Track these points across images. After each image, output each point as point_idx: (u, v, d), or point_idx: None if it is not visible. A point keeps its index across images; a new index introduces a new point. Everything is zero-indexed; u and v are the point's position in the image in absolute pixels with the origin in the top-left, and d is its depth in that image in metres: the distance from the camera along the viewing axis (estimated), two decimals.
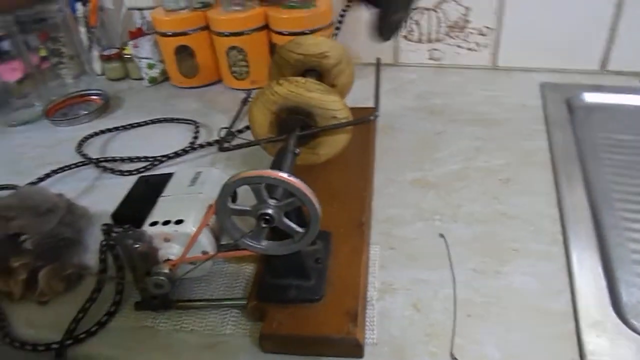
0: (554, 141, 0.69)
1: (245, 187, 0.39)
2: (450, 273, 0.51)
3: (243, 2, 0.88)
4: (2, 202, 0.56)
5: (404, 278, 0.52)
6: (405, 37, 0.93)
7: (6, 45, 0.94)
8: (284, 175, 0.38)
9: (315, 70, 0.61)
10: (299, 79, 0.49)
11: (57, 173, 0.73)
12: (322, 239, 0.52)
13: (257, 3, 0.90)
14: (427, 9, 0.89)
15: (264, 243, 0.42)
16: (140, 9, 1.07)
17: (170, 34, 0.92)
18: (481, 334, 0.46)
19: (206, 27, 0.91)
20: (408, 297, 0.50)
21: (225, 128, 0.56)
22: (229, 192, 0.39)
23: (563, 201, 0.58)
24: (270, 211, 0.39)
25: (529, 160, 0.67)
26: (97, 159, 0.76)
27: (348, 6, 0.83)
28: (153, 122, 0.86)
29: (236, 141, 0.58)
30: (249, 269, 0.54)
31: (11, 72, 0.95)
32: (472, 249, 0.54)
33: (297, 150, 0.48)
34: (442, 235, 0.56)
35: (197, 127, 0.82)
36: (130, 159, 0.76)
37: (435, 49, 0.93)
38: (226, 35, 0.88)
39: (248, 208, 0.40)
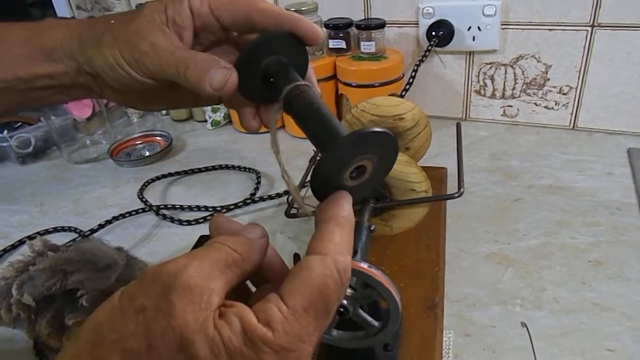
0: None
1: None
2: None
3: (313, 51, 0.87)
4: (63, 256, 0.54)
5: None
6: (477, 92, 0.89)
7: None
8: (364, 266, 0.34)
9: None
10: None
11: (118, 219, 0.73)
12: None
13: (325, 53, 0.89)
14: (503, 65, 0.84)
15: (334, 333, 0.38)
16: None
17: None
18: None
19: None
20: None
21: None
22: None
23: None
24: (345, 302, 0.35)
25: (621, 240, 0.60)
26: (158, 206, 0.75)
27: (421, 61, 0.80)
28: (214, 168, 0.85)
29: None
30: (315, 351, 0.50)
31: (81, 109, 0.97)
32: (559, 344, 0.48)
33: (372, 227, 0.44)
34: (524, 325, 0.50)
35: (259, 176, 0.80)
36: (190, 208, 0.74)
37: (509, 105, 0.88)
38: None
39: None
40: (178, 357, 0.24)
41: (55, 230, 0.73)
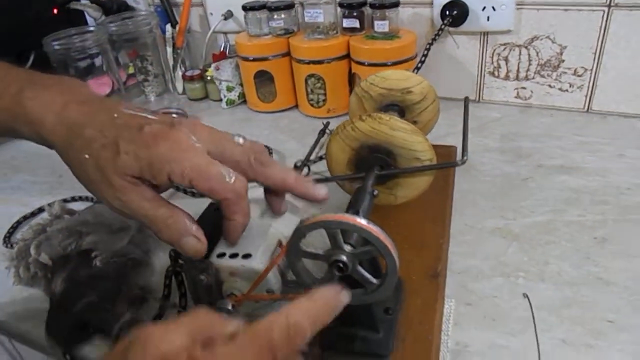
0: None
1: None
2: (534, 340, 0.46)
3: (326, 30, 0.88)
4: (79, 218, 0.57)
5: (481, 340, 0.47)
6: (491, 73, 0.88)
7: (98, 61, 0.99)
8: (363, 222, 0.35)
9: (397, 105, 0.59)
10: (383, 115, 0.47)
11: None
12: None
13: (339, 32, 0.89)
14: (518, 46, 0.84)
15: None
16: (225, 33, 1.10)
17: (251, 58, 0.93)
18: None
19: (287, 54, 0.92)
20: None
21: (300, 162, 0.54)
22: (302, 235, 0.37)
23: None
24: (344, 258, 0.37)
25: (629, 218, 0.60)
26: None
27: (434, 39, 0.80)
28: None
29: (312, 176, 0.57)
30: None
31: (100, 87, 0.99)
32: (561, 315, 0.48)
33: (375, 192, 0.45)
34: (525, 296, 0.51)
35: (270, 152, 0.82)
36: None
37: (523, 87, 0.88)
38: (306, 63, 0.88)
39: (321, 252, 0.38)
40: None
41: (73, 199, 0.75)
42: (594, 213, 0.61)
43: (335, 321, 0.46)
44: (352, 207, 0.44)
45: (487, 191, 0.67)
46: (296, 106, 0.97)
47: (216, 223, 0.51)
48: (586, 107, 0.85)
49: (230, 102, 1.02)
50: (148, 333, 0.29)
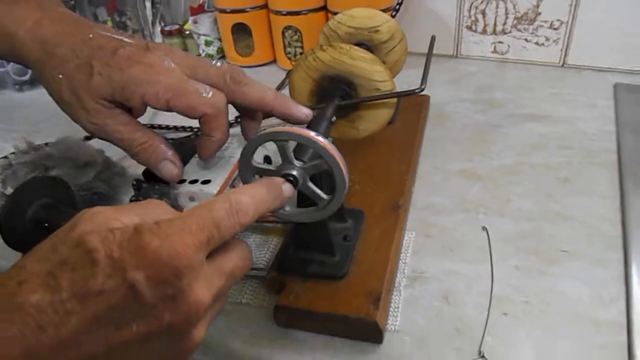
0: (623, 143, 0.62)
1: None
2: (489, 268, 0.47)
3: None
4: (44, 152, 0.57)
5: (437, 268, 0.48)
6: (469, 27, 0.88)
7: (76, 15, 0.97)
8: (311, 133, 0.36)
9: (365, 44, 0.58)
10: (344, 45, 0.47)
11: None
12: (353, 217, 0.50)
13: None
14: None
15: (287, 208, 0.40)
16: None
17: (229, 10, 0.92)
18: (517, 335, 0.41)
19: (265, 6, 0.91)
20: (439, 288, 0.46)
21: None
22: (253, 147, 0.37)
23: (627, 205, 0.52)
24: (295, 172, 0.37)
25: (593, 161, 0.61)
26: (145, 125, 0.76)
27: None
28: None
29: None
30: (275, 241, 0.52)
31: None
32: (517, 246, 0.49)
33: (333, 119, 0.45)
34: (484, 229, 0.52)
35: None
36: (176, 128, 0.76)
37: (500, 42, 0.87)
38: (283, 14, 0.87)
39: (272, 167, 0.38)
40: (74, 252, 0.27)
41: (47, 145, 0.75)
42: (559, 156, 0.62)
43: (294, 247, 0.47)
44: (308, 128, 0.44)
45: (456, 137, 0.68)
46: (274, 61, 0.97)
47: (181, 156, 0.51)
48: (561, 62, 0.85)
49: (209, 57, 1.01)
50: (97, 210, 0.29)
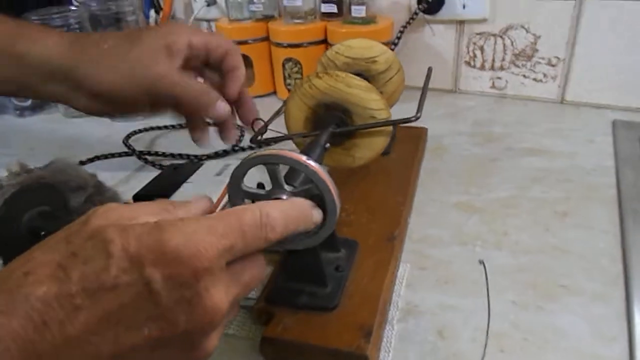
0: (622, 178, 0.62)
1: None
2: (486, 302, 0.46)
3: (305, 15, 0.88)
4: (35, 174, 0.56)
5: (432, 301, 0.46)
6: (467, 63, 0.89)
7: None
8: (303, 157, 0.35)
9: (362, 75, 0.59)
10: (340, 73, 0.47)
11: (100, 159, 0.74)
12: (347, 247, 0.49)
13: (318, 17, 0.90)
14: (493, 35, 0.85)
15: None
16: (208, 20, 1.10)
17: None
18: None
19: (266, 38, 0.92)
20: (434, 322, 0.44)
21: (259, 119, 0.54)
22: (242, 171, 0.37)
23: (628, 240, 0.51)
24: (285, 197, 0.36)
25: (592, 195, 0.60)
26: (141, 151, 0.76)
27: (409, 23, 0.81)
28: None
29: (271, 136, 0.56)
30: (268, 269, 0.51)
31: None
32: (515, 279, 0.48)
33: (327, 145, 0.45)
34: (481, 262, 0.50)
35: (242, 132, 0.81)
36: (173, 155, 0.75)
37: (498, 77, 0.88)
38: (284, 47, 0.88)
39: (262, 192, 0.37)
40: (88, 244, 0.26)
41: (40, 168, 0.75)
42: (557, 190, 0.61)
43: (284, 277, 0.45)
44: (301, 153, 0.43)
45: (454, 169, 0.67)
46: (274, 92, 0.97)
47: (172, 180, 0.51)
48: (560, 98, 0.85)
49: None
50: (112, 207, 0.28)
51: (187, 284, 0.25)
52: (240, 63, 0.51)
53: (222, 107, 0.49)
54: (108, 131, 0.88)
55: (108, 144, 0.82)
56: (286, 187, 0.37)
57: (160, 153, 0.76)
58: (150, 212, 0.29)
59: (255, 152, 0.36)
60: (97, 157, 0.75)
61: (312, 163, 0.35)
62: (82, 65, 0.44)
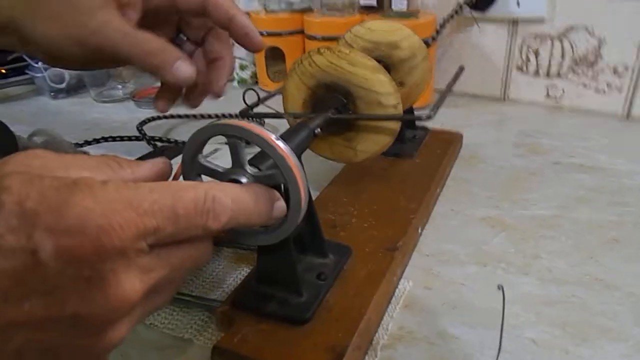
0: None
1: None
2: (497, 337, 0.37)
3: (343, 8, 0.82)
4: (28, 142, 0.53)
5: (432, 328, 0.38)
6: (519, 68, 0.79)
7: None
8: (269, 135, 0.28)
9: (383, 62, 0.51)
10: (343, 48, 0.40)
11: (108, 141, 0.71)
12: (336, 253, 0.41)
13: (357, 11, 0.84)
14: (551, 37, 0.75)
15: None
16: (247, 13, 1.07)
17: (265, 33, 0.88)
18: None
19: (301, 31, 0.87)
20: (428, 354, 0.36)
21: (251, 88, 0.48)
22: (200, 139, 0.30)
23: None
24: (242, 180, 0.30)
25: None
26: (152, 137, 0.72)
27: (452, 17, 0.73)
28: (224, 116, 0.82)
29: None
30: (245, 270, 0.44)
31: None
32: (540, 313, 0.39)
33: (318, 131, 0.38)
34: (500, 287, 0.41)
35: (262, 124, 0.76)
36: (161, 139, 0.71)
37: (554, 85, 0.78)
38: (319, 40, 0.83)
39: (220, 169, 0.31)
40: None
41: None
42: (609, 213, 0.51)
43: (255, 279, 0.39)
44: (284, 136, 0.37)
45: (486, 181, 0.58)
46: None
47: None
48: (625, 113, 0.74)
49: (243, 81, 0.98)
50: (38, 153, 0.23)
51: (88, 261, 0.20)
52: (235, 8, 0.40)
53: (183, 69, 0.37)
54: (130, 116, 0.85)
55: (126, 129, 0.79)
56: (248, 168, 0.30)
57: (172, 140, 0.72)
58: (85, 167, 0.24)
59: (218, 120, 0.30)
60: (104, 139, 0.71)
61: (281, 144, 0.28)
62: (28, 18, 0.38)
